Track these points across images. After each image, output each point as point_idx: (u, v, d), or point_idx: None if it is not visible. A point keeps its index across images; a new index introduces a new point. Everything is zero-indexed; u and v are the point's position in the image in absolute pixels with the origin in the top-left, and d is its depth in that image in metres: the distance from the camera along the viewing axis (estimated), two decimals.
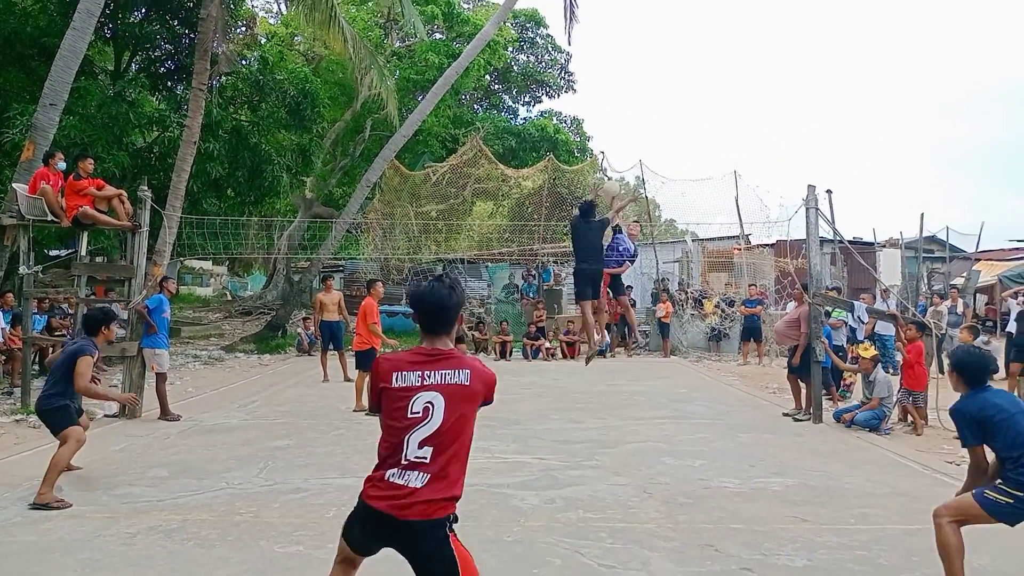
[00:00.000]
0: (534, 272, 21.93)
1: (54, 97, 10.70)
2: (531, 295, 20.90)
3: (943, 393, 9.60)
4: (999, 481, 4.09)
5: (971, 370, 4.25)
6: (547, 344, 18.23)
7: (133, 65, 18.30)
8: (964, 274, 20.89)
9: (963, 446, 4.23)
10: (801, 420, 9.72)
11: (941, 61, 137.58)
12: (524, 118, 33.39)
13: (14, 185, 9.84)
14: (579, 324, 8.58)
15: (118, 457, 7.29)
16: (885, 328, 13.48)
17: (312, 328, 18.23)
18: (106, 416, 9.37)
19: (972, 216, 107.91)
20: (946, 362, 14.65)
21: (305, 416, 9.70)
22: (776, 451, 7.88)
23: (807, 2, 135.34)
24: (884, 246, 21.60)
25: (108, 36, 17.08)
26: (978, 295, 21.18)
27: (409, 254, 22.80)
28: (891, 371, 12.46)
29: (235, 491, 6.07)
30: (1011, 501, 4.03)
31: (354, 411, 9.96)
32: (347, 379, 12.99)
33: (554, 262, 23.09)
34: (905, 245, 21.00)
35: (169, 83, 18.48)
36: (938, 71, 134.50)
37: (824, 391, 10.41)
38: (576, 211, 8.74)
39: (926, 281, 20.81)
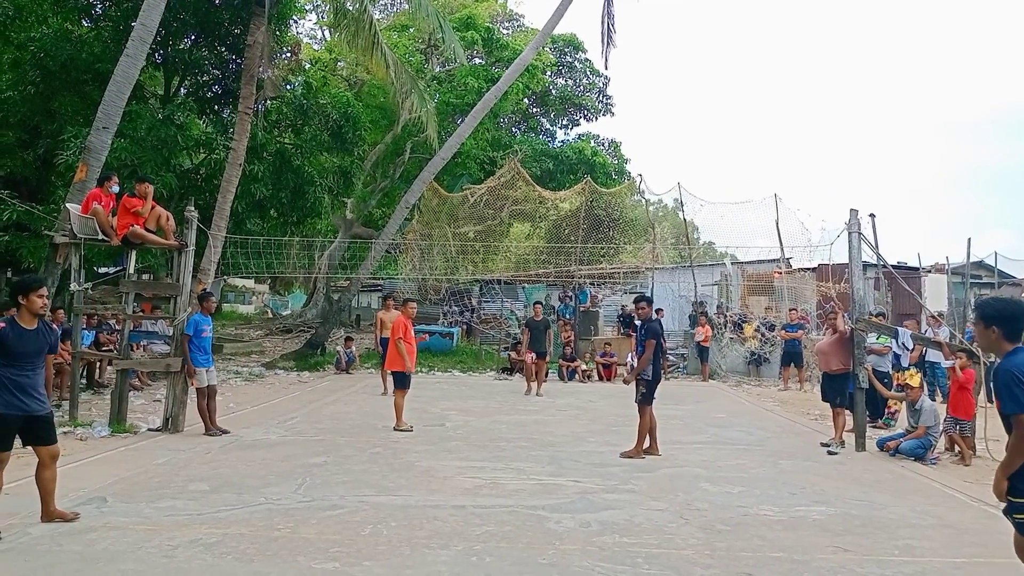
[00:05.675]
0: (571, 293, 21.91)
1: (107, 120, 11.06)
2: (567, 316, 20.85)
3: (991, 423, 9.35)
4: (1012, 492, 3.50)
5: (1012, 320, 3.63)
6: (583, 366, 18.16)
7: (182, 89, 18.87)
8: None
9: (1007, 412, 3.55)
10: (834, 452, 9.26)
11: (988, 78, 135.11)
12: (562, 141, 33.61)
13: (67, 205, 10.15)
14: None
15: (161, 470, 7.43)
16: (936, 355, 13.13)
17: (352, 347, 18.60)
18: (150, 430, 9.57)
19: (1022, 241, 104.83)
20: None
21: (343, 434, 9.78)
22: (817, 479, 7.72)
23: (848, 25, 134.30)
24: (930, 271, 21.11)
25: (159, 62, 17.65)
26: None
27: (446, 274, 23.00)
28: (940, 399, 12.16)
29: (273, 506, 6.14)
30: None
31: (394, 429, 10.01)
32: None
33: (591, 284, 23.05)
34: (952, 270, 20.49)
35: (216, 107, 19.01)
36: (986, 89, 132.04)
37: (868, 419, 10.14)
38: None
39: (973, 307, 20.28)
